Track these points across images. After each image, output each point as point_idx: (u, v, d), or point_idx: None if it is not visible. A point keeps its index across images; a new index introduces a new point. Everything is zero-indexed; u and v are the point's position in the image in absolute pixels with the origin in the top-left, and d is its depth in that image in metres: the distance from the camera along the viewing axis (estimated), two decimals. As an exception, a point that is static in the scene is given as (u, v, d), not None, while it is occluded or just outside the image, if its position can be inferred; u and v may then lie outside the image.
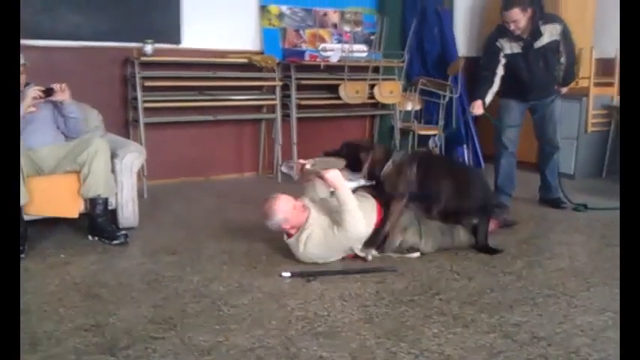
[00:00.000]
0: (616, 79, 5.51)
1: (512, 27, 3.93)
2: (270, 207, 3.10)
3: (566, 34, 4.04)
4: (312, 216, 3.13)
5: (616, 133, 5.56)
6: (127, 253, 3.27)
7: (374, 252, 3.19)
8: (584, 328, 2.40)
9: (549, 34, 3.97)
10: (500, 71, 4.12)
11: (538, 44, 3.98)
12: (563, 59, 4.10)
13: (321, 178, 3.14)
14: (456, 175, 3.41)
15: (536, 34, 3.95)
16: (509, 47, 4.05)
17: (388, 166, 3.30)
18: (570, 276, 2.99)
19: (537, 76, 4.07)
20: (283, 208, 3.09)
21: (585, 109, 5.44)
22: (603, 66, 5.62)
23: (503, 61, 4.09)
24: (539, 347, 2.24)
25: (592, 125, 5.50)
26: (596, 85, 5.48)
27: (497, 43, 4.08)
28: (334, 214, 3.09)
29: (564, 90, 4.30)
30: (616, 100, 5.61)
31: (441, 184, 3.32)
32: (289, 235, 3.16)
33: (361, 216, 3.07)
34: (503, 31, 4.03)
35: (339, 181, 3.09)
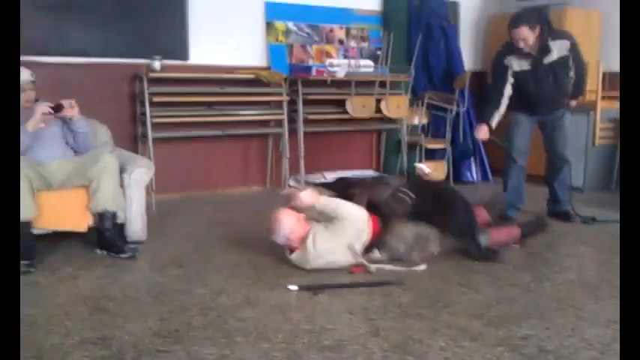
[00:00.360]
0: (623, 93, 5.51)
1: (521, 44, 3.92)
2: (276, 221, 3.19)
3: (575, 49, 4.04)
4: (314, 225, 3.24)
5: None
6: (134, 267, 3.29)
7: (377, 255, 3.25)
8: (592, 342, 2.38)
9: (558, 50, 3.97)
10: (507, 91, 4.12)
11: (547, 60, 3.98)
12: (572, 73, 4.10)
13: (296, 199, 3.27)
14: (440, 200, 3.47)
15: (545, 50, 3.95)
16: (517, 64, 4.05)
17: (386, 192, 3.44)
18: (578, 289, 2.97)
19: (546, 91, 4.06)
20: (289, 221, 3.20)
21: (593, 123, 5.43)
22: (610, 79, 5.62)
23: (511, 80, 4.10)
24: (547, 361, 2.23)
25: (600, 138, 5.48)
26: (603, 98, 5.48)
27: (506, 61, 4.08)
28: (328, 220, 3.21)
29: (573, 103, 4.29)
30: (624, 113, 5.59)
31: (429, 207, 3.40)
32: (292, 250, 3.20)
33: (349, 204, 3.21)
34: (511, 48, 4.03)
35: (313, 196, 3.25)
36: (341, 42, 5.71)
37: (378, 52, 5.75)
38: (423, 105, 5.73)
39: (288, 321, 2.56)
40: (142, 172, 3.65)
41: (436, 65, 6.03)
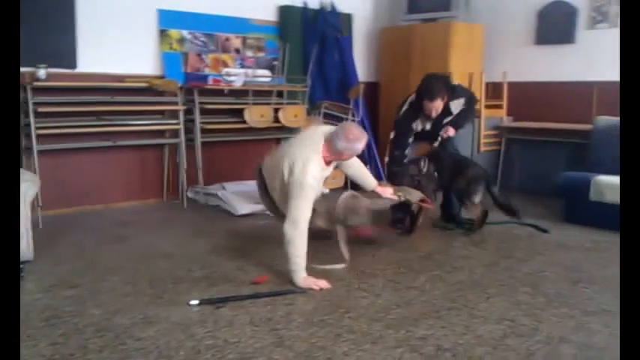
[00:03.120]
0: (504, 102, 5.91)
1: (433, 114, 4.24)
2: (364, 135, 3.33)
3: (470, 103, 4.38)
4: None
5: (506, 152, 5.94)
6: (21, 289, 3.06)
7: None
8: (485, 338, 2.52)
9: (455, 108, 4.30)
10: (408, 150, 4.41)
11: (446, 120, 4.30)
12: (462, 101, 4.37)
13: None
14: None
15: (447, 113, 4.29)
16: (420, 125, 4.35)
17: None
18: (470, 288, 3.14)
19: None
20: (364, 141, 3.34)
21: (478, 130, 5.77)
22: (492, 89, 6.01)
23: (411, 139, 4.38)
24: (445, 359, 2.33)
25: (484, 145, 5.83)
26: (487, 107, 5.84)
27: (413, 126, 4.32)
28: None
29: (451, 132, 4.39)
30: (505, 120, 5.99)
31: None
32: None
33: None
34: (417, 110, 4.30)
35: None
36: (237, 51, 5.68)
37: (275, 62, 5.78)
38: (320, 114, 5.82)
39: (190, 337, 2.50)
40: (26, 187, 3.42)
41: (331, 76, 6.15)
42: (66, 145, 4.65)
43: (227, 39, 5.61)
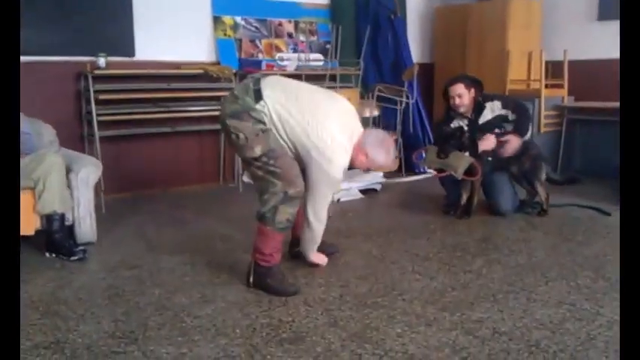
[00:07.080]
0: (565, 81, 5.70)
1: (457, 101, 4.04)
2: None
3: (507, 101, 4.14)
4: None
5: (567, 133, 5.75)
6: (85, 269, 3.20)
7: None
8: (544, 322, 2.46)
9: (490, 110, 4.09)
10: None
11: (482, 120, 4.08)
12: (510, 116, 4.09)
13: None
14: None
15: (480, 109, 4.08)
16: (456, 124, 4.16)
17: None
18: (529, 271, 3.07)
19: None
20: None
21: (538, 110, 5.60)
22: (552, 68, 5.81)
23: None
24: (501, 342, 2.29)
25: (545, 126, 5.66)
26: (547, 86, 5.65)
27: (452, 125, 4.15)
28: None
29: (515, 141, 4.06)
30: (567, 100, 5.79)
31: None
32: None
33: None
34: (449, 113, 4.18)
35: None
36: (290, 36, 5.69)
37: (327, 46, 5.76)
38: (373, 98, 5.78)
39: (245, 316, 2.55)
40: (89, 172, 3.56)
41: (385, 58, 6.09)
42: (126, 131, 4.80)
43: (280, 24, 5.63)
